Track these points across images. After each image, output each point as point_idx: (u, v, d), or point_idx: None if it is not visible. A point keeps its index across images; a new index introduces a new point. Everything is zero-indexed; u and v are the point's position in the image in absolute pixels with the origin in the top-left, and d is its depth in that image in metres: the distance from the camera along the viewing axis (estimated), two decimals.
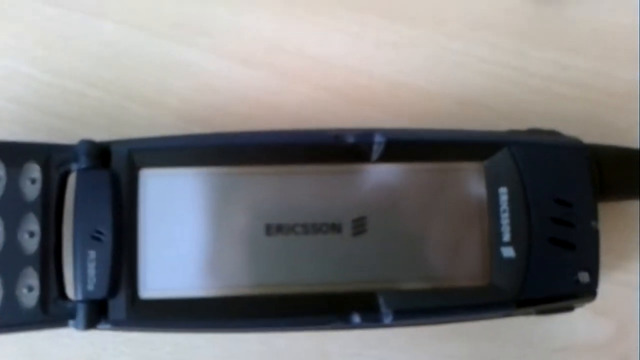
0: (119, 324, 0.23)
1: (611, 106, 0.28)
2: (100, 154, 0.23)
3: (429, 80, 0.28)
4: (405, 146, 0.24)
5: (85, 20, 0.28)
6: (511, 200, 0.24)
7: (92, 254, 0.23)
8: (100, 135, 0.24)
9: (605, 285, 0.26)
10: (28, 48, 0.28)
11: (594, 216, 0.24)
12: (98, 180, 0.23)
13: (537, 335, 0.27)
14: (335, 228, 0.24)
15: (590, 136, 0.26)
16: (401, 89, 0.28)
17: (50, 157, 0.24)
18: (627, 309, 0.28)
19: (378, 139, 0.24)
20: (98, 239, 0.23)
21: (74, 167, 0.24)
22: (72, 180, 0.24)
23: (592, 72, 0.29)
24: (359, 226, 0.24)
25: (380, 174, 0.25)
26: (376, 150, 0.24)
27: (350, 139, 0.24)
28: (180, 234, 0.24)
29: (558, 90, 0.28)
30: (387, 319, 0.24)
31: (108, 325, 0.23)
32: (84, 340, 0.26)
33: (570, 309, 0.25)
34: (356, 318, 0.24)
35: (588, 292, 0.24)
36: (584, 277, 0.24)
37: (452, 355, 0.27)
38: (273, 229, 0.24)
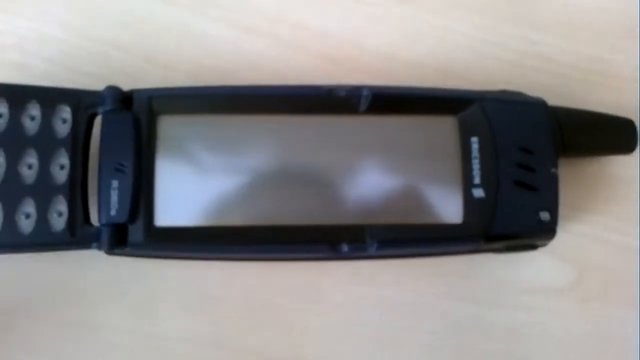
0: (137, 247, 0.26)
1: (575, 78, 0.32)
2: (123, 99, 0.27)
3: (413, 52, 0.32)
4: (390, 100, 0.28)
5: None
6: (481, 148, 0.28)
7: (114, 183, 0.26)
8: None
9: (567, 236, 0.30)
10: (59, 14, 0.31)
11: (554, 164, 0.28)
12: (121, 120, 0.27)
13: (507, 277, 0.30)
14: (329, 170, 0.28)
15: (552, 102, 0.29)
16: (388, 59, 0.32)
17: (80, 100, 0.27)
18: (586, 256, 0.31)
19: (365, 92, 0.28)
20: (120, 171, 0.26)
21: (100, 110, 0.27)
22: (98, 122, 0.27)
23: (560, 47, 0.32)
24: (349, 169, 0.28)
25: (368, 124, 0.28)
26: (364, 103, 0.28)
27: (342, 92, 0.28)
28: (192, 171, 0.27)
29: (529, 63, 0.32)
30: (372, 249, 0.27)
31: (128, 249, 0.26)
32: None
33: (533, 247, 0.29)
34: (345, 247, 0.27)
35: (548, 229, 0.28)
36: (545, 216, 0.27)
37: (431, 292, 0.30)
38: (274, 170, 0.28)
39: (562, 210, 0.29)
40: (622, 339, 0.30)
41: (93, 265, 0.29)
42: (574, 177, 0.31)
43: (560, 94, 0.31)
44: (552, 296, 0.30)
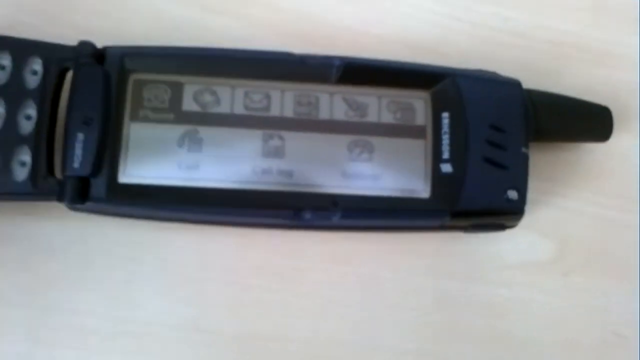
0: (98, 202, 0.26)
1: (548, 53, 0.32)
2: (96, 55, 0.27)
3: (385, 29, 0.32)
4: (362, 71, 0.28)
5: None
6: (452, 124, 0.28)
7: (80, 136, 0.26)
8: None
9: (546, 210, 0.30)
10: None
11: (525, 144, 0.28)
12: (92, 75, 0.27)
13: (488, 254, 0.30)
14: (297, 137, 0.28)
15: (526, 78, 0.29)
16: (360, 36, 0.32)
17: (53, 53, 0.27)
18: (567, 230, 0.30)
19: (337, 62, 0.28)
20: (88, 124, 0.26)
21: (72, 64, 0.27)
22: (69, 77, 0.27)
23: (530, 24, 0.32)
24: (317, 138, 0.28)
25: (339, 94, 0.28)
26: (335, 73, 0.28)
27: (314, 61, 0.28)
28: (159, 131, 0.27)
29: (502, 39, 0.32)
30: (336, 217, 0.27)
31: (89, 204, 0.26)
32: None
33: (502, 227, 0.28)
34: (308, 214, 0.27)
35: (516, 209, 0.27)
36: (513, 194, 0.27)
37: (412, 269, 0.29)
38: (242, 132, 0.27)
39: (539, 184, 0.29)
40: (604, 310, 0.30)
41: (66, 249, 0.28)
42: (550, 156, 0.31)
43: (533, 70, 0.31)
44: (534, 271, 0.30)
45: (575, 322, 0.30)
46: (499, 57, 0.31)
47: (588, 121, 0.30)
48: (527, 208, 0.28)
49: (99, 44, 0.28)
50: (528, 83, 0.29)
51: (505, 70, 0.30)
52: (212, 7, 0.32)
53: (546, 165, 0.31)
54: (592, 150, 0.31)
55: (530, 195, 0.28)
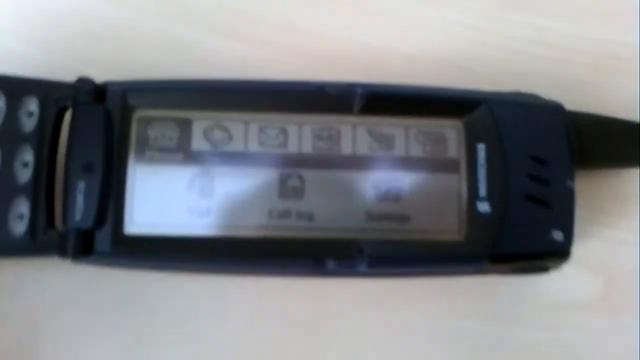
0: (103, 257, 0.24)
1: (586, 65, 0.29)
2: (96, 92, 0.25)
3: (410, 45, 0.29)
4: (387, 100, 0.25)
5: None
6: (489, 156, 0.25)
7: (81, 184, 0.24)
8: None
9: (594, 242, 0.28)
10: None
11: (570, 176, 0.25)
12: (93, 115, 0.24)
13: (527, 293, 0.27)
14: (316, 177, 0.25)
15: (565, 96, 0.26)
16: (382, 54, 0.29)
17: (49, 92, 0.25)
18: (615, 264, 0.28)
19: (360, 90, 0.25)
20: (88, 171, 0.24)
21: (71, 103, 0.25)
22: (68, 116, 0.25)
23: (567, 33, 0.29)
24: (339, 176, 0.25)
25: (362, 126, 0.25)
26: (358, 103, 0.25)
27: (334, 90, 0.25)
28: (168, 174, 0.25)
29: (535, 52, 0.29)
30: (362, 266, 0.24)
31: (93, 258, 0.24)
32: None
33: (545, 269, 0.26)
34: (331, 264, 0.24)
35: (562, 251, 0.25)
36: (557, 235, 0.25)
37: (446, 312, 0.27)
38: (257, 175, 0.25)
39: (583, 214, 0.26)
40: None
41: (74, 301, 0.26)
42: (594, 182, 0.28)
43: (573, 86, 0.29)
44: (578, 311, 0.27)
45: None
46: (534, 72, 0.29)
47: (638, 145, 0.27)
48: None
49: (100, 71, 0.26)
50: (568, 102, 0.26)
51: (542, 86, 0.27)
52: (221, 29, 0.29)
53: (590, 192, 0.27)
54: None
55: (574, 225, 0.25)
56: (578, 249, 0.26)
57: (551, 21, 0.30)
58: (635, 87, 0.29)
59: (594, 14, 0.30)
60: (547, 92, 0.27)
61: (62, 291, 0.26)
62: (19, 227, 0.24)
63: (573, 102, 0.26)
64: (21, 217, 0.24)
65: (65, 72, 0.26)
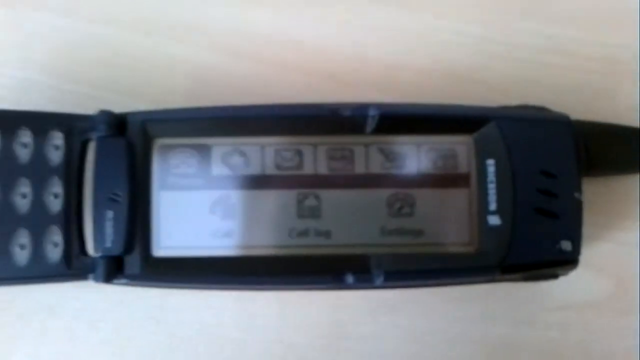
0: (134, 279, 0.25)
1: (594, 71, 0.30)
2: (117, 124, 0.26)
3: (420, 59, 0.30)
4: (399, 119, 0.26)
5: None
6: (498, 171, 0.26)
7: (109, 213, 0.25)
8: None
9: (604, 245, 0.29)
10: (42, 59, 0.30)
11: (578, 188, 0.26)
12: (115, 147, 0.25)
13: (539, 295, 0.28)
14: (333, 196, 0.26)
15: (575, 103, 0.27)
16: (394, 69, 0.30)
17: (73, 126, 0.26)
18: (624, 266, 0.29)
19: (372, 112, 0.26)
20: (115, 200, 0.25)
21: (94, 135, 0.26)
22: (92, 147, 0.26)
23: (575, 40, 0.30)
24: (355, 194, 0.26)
25: (375, 145, 0.26)
26: (370, 123, 0.26)
27: (346, 112, 0.26)
28: (190, 198, 0.26)
29: (544, 60, 0.30)
30: (379, 280, 0.25)
31: (124, 280, 0.25)
32: None
33: (554, 276, 0.27)
34: (350, 278, 0.25)
35: (570, 260, 0.26)
36: (566, 245, 0.25)
37: (460, 316, 0.28)
38: (276, 196, 0.26)
39: (593, 218, 0.27)
40: None
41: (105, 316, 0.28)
42: (603, 186, 0.29)
43: (583, 93, 0.29)
44: (590, 311, 0.29)
45: None
46: (543, 81, 0.29)
47: None
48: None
49: (119, 97, 0.27)
50: (578, 108, 0.27)
51: (552, 94, 0.28)
52: (232, 50, 0.30)
53: (599, 196, 0.28)
54: None
55: (584, 229, 0.26)
56: (588, 252, 0.27)
57: (558, 29, 0.30)
58: None
59: (600, 20, 0.30)
60: (556, 99, 0.27)
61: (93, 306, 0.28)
62: (54, 255, 0.25)
63: (581, 109, 0.27)
64: (55, 244, 0.25)
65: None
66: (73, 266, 0.25)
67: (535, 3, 0.30)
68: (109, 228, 0.25)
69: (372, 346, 0.28)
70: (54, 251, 0.25)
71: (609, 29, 0.30)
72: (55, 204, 0.26)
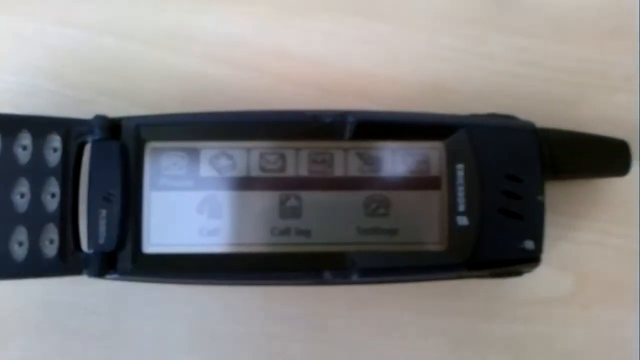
0: (125, 274, 0.27)
1: (563, 82, 0.32)
2: (112, 128, 0.27)
3: (400, 70, 0.32)
4: (375, 126, 0.28)
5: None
6: (467, 175, 0.28)
7: (102, 212, 0.27)
8: None
9: (563, 243, 0.31)
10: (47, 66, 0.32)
11: (541, 191, 0.28)
12: (109, 149, 0.27)
13: (506, 291, 0.30)
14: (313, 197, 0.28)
15: (543, 111, 0.29)
16: (375, 79, 0.32)
17: (70, 129, 0.28)
18: (586, 263, 0.31)
19: (351, 119, 0.27)
20: (108, 200, 0.27)
21: (90, 138, 0.27)
22: (88, 149, 0.28)
23: (546, 52, 0.32)
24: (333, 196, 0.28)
25: (353, 150, 0.28)
26: (349, 130, 0.28)
27: (327, 119, 0.28)
28: (179, 198, 0.28)
29: (516, 71, 0.31)
30: (354, 276, 0.27)
31: (116, 275, 0.27)
32: None
33: (519, 273, 0.29)
34: (328, 275, 0.27)
35: (533, 258, 0.28)
36: (529, 244, 0.27)
37: (430, 309, 0.30)
38: (260, 196, 0.28)
39: (557, 218, 0.29)
40: (628, 343, 0.30)
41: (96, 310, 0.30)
42: (567, 189, 0.31)
43: (551, 101, 0.31)
44: (554, 305, 0.31)
45: (598, 356, 0.30)
46: (515, 91, 0.31)
47: (605, 158, 0.29)
48: (545, 242, 0.28)
49: (116, 102, 0.28)
50: (546, 116, 0.29)
51: (523, 104, 0.30)
52: (223, 59, 0.31)
53: (563, 198, 0.31)
54: (609, 182, 0.31)
55: (548, 229, 0.28)
56: (551, 251, 0.29)
57: (529, 41, 0.32)
58: (613, 103, 0.31)
59: (567, 34, 0.32)
60: (526, 108, 0.29)
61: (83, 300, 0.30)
62: (50, 251, 0.27)
63: (549, 117, 0.29)
64: (52, 241, 0.27)
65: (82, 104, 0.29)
66: (68, 262, 0.27)
67: (507, 17, 0.32)
68: (102, 226, 0.27)
69: (348, 339, 0.30)
70: (50, 248, 0.27)
71: (576, 43, 0.32)
72: (52, 203, 0.27)
